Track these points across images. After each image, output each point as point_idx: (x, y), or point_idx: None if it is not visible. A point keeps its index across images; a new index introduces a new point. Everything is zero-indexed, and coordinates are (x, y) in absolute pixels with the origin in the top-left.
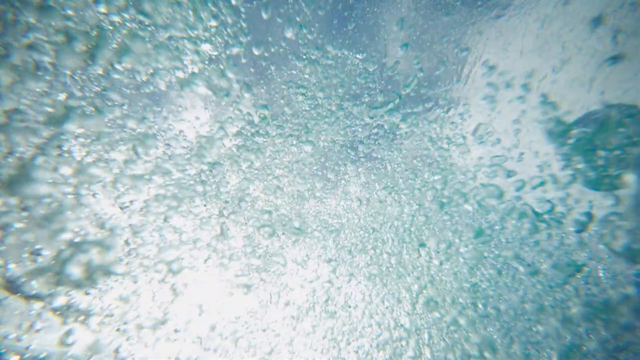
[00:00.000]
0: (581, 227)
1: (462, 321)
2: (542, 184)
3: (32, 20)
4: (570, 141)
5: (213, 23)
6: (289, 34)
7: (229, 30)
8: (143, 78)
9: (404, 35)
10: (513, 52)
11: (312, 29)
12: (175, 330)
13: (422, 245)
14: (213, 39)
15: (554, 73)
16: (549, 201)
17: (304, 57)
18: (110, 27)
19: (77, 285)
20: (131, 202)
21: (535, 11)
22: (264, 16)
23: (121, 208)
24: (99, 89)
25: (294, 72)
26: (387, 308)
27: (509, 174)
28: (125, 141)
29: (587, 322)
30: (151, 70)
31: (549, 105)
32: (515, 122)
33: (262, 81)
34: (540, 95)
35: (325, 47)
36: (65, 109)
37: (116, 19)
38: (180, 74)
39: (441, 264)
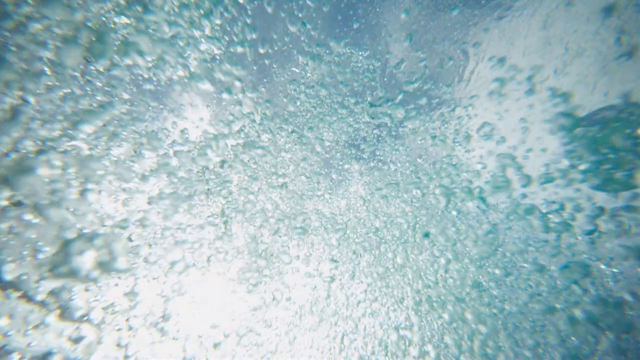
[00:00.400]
0: (592, 229)
1: (468, 317)
2: (551, 180)
3: (36, 15)
4: (577, 138)
5: (218, 21)
6: (293, 28)
7: (235, 28)
8: (147, 75)
9: (406, 36)
10: (516, 53)
11: (316, 25)
12: (177, 330)
13: (427, 235)
14: (218, 36)
15: (556, 75)
16: (553, 202)
17: (307, 54)
18: (113, 25)
19: (79, 281)
20: (131, 198)
21: (538, 13)
22: (269, 10)
23: (124, 205)
24: (100, 84)
25: (296, 70)
26: (389, 307)
27: (518, 168)
28: (129, 139)
29: (593, 323)
30: (153, 70)
31: (560, 97)
32: (522, 121)
33: (265, 79)
34: (547, 89)
35: (329, 44)
36: (70, 105)
37: (122, 20)
38: (185, 72)
39: (449, 263)
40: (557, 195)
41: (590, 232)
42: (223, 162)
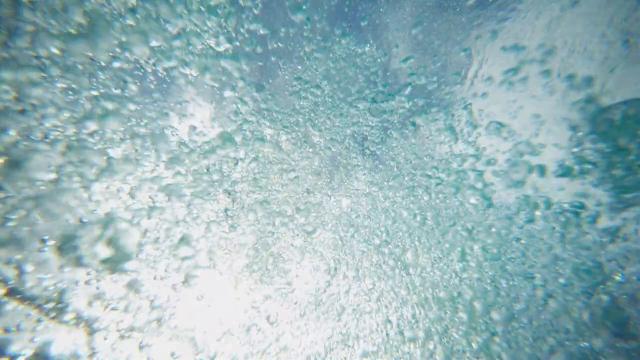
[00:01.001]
0: (612, 232)
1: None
2: (568, 172)
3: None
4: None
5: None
6: (296, 18)
7: (245, 24)
8: (150, 69)
9: (407, 34)
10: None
11: (322, 18)
12: (175, 327)
13: (438, 221)
14: (224, 31)
15: (559, 78)
16: (562, 203)
17: (313, 49)
18: (118, 19)
19: (81, 277)
20: (136, 195)
21: (542, 15)
22: None
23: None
24: (104, 77)
25: (299, 67)
26: (393, 306)
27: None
28: (133, 135)
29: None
30: (160, 65)
31: (585, 82)
32: (535, 117)
33: (270, 77)
34: (565, 78)
35: (334, 39)
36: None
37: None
38: (189, 69)
39: (463, 258)
40: (572, 193)
41: (612, 233)
42: (236, 159)
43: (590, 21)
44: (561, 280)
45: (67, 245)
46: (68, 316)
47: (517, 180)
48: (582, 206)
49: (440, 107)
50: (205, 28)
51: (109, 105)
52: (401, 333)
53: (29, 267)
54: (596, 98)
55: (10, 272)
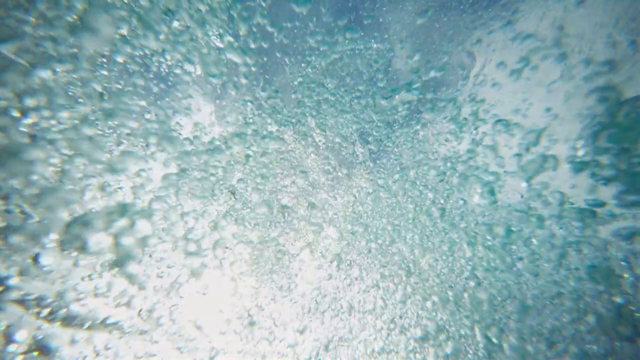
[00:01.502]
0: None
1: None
2: (581, 167)
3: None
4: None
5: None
6: (300, 10)
7: (252, 21)
8: (155, 65)
9: (411, 32)
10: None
11: (326, 12)
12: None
13: (443, 213)
14: (228, 28)
15: (562, 80)
16: (571, 203)
17: (318, 37)
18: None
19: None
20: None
21: (547, 15)
22: None
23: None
24: (106, 72)
25: (303, 64)
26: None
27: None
28: (137, 132)
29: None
30: (169, 62)
31: (606, 66)
32: (547, 110)
33: (274, 74)
34: (582, 61)
35: (338, 32)
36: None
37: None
38: (192, 66)
39: (473, 255)
40: (582, 191)
41: (629, 236)
42: (247, 156)
43: (595, 22)
44: (572, 283)
45: (69, 242)
46: (69, 313)
47: (526, 176)
48: (602, 204)
49: (445, 103)
50: (211, 25)
51: (111, 102)
52: (406, 331)
53: (29, 264)
54: (613, 89)
55: (11, 270)
